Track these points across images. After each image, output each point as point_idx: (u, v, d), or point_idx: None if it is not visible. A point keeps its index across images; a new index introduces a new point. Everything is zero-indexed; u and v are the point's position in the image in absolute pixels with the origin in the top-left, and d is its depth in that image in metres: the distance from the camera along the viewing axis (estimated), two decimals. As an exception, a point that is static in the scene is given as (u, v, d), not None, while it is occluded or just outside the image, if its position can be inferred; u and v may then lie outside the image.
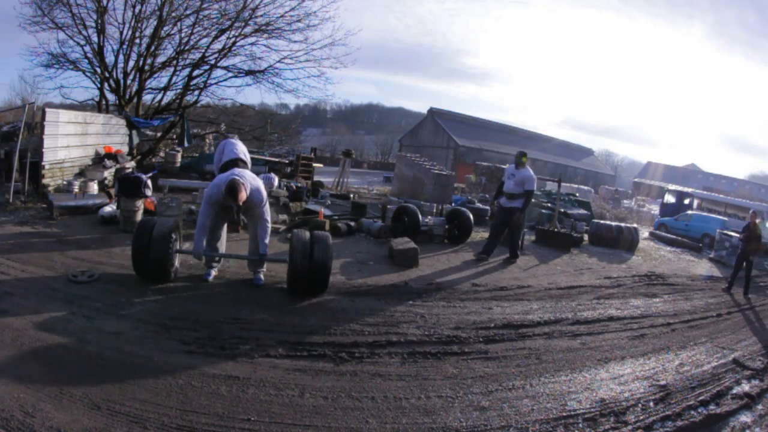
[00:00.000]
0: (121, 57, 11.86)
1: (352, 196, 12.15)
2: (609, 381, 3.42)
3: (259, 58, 12.54)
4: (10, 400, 2.28)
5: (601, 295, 5.88)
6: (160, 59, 12.33)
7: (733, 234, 10.25)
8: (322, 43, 12.31)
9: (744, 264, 7.63)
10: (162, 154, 12.90)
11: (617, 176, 53.99)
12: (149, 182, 6.62)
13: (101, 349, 2.92)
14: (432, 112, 40.55)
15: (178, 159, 11.74)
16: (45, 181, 7.57)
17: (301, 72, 16.61)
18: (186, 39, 12.09)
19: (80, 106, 12.48)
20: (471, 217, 8.02)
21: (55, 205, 6.52)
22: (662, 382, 3.47)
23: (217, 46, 12.21)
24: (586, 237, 10.00)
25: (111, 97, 12.19)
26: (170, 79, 12.55)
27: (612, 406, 3.01)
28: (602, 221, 11.02)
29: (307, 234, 4.26)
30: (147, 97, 12.88)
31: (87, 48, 11.59)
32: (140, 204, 6.38)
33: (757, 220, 7.93)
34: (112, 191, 7.25)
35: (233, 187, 4.03)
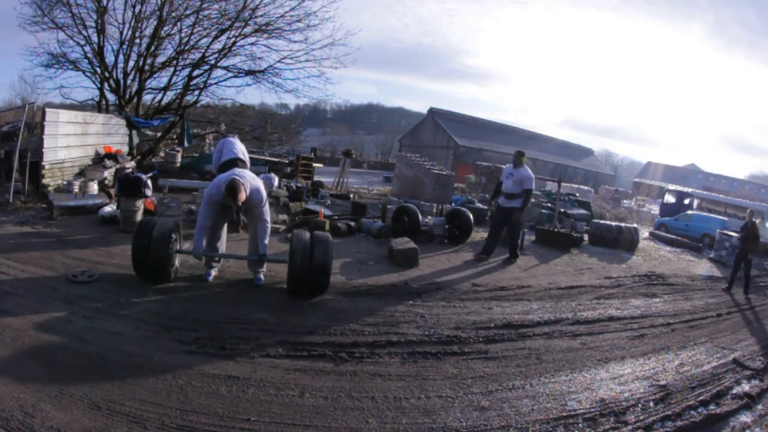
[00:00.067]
0: (121, 57, 11.89)
1: (352, 196, 12.15)
2: (609, 381, 3.42)
3: (259, 58, 12.57)
4: (10, 400, 2.28)
5: (601, 295, 5.88)
6: (160, 59, 12.36)
7: (732, 234, 10.25)
8: (322, 43, 12.34)
9: (743, 263, 7.63)
10: (162, 154, 12.90)
11: (617, 176, 54.01)
12: (149, 182, 6.62)
13: (101, 349, 2.92)
14: (432, 112, 40.56)
15: (178, 159, 11.74)
16: (45, 181, 7.57)
17: (301, 72, 16.66)
18: (186, 39, 12.11)
19: (80, 106, 12.49)
20: (471, 217, 8.02)
21: (55, 205, 6.52)
22: (662, 382, 3.47)
23: (217, 46, 12.24)
24: (586, 237, 10.00)
25: (111, 97, 12.21)
26: (170, 79, 12.58)
27: (612, 406, 3.01)
28: (602, 221, 11.02)
29: (307, 235, 4.25)
30: (147, 97, 12.91)
31: (87, 48, 11.62)
32: (140, 204, 6.38)
33: (757, 220, 7.94)
34: (112, 191, 7.25)
35: (233, 187, 4.03)
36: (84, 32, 11.38)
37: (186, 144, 12.01)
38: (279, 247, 5.95)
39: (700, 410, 3.14)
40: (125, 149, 10.42)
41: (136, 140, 11.08)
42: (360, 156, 47.05)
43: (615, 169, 59.66)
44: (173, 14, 11.75)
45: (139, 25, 11.70)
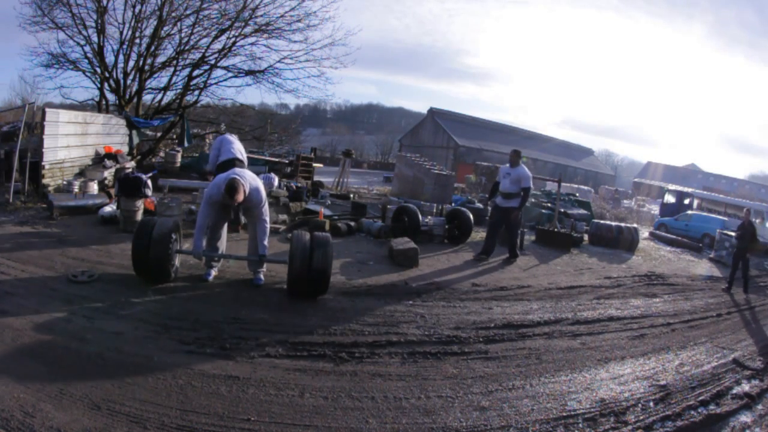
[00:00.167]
0: (121, 57, 11.89)
1: (352, 196, 12.15)
2: (609, 381, 3.42)
3: (259, 58, 12.57)
4: (10, 400, 2.28)
5: (601, 295, 5.88)
6: (160, 59, 12.35)
7: (732, 234, 10.26)
8: (322, 43, 12.33)
9: (741, 263, 7.64)
10: (162, 154, 12.89)
11: (617, 176, 54.02)
12: (149, 182, 6.62)
13: (101, 349, 2.92)
14: (432, 112, 40.56)
15: (178, 159, 11.73)
16: (45, 181, 7.57)
17: (301, 72, 16.61)
18: (186, 39, 12.11)
19: (80, 106, 12.49)
20: (471, 217, 8.02)
21: (55, 205, 6.52)
22: (662, 382, 3.47)
23: (217, 46, 12.23)
24: (586, 237, 10.00)
25: (111, 97, 12.21)
26: (170, 79, 12.58)
27: (612, 406, 3.01)
28: (602, 221, 11.03)
29: (307, 236, 4.23)
30: (147, 97, 12.91)
31: (87, 48, 11.62)
32: (140, 204, 6.38)
33: (757, 220, 7.95)
34: (112, 191, 7.25)
35: (232, 186, 4.03)
36: (84, 32, 11.40)
37: (186, 144, 12.01)
38: (279, 247, 5.95)
39: (700, 410, 3.14)
40: (125, 149, 10.42)
41: (136, 140, 11.08)
42: (360, 156, 47.05)
43: (615, 169, 59.67)
44: (173, 14, 11.77)
45: (139, 25, 11.71)
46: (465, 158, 34.41)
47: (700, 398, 3.30)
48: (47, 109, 8.11)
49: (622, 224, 10.67)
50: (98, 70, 11.85)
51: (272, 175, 9.55)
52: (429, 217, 8.39)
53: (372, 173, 34.08)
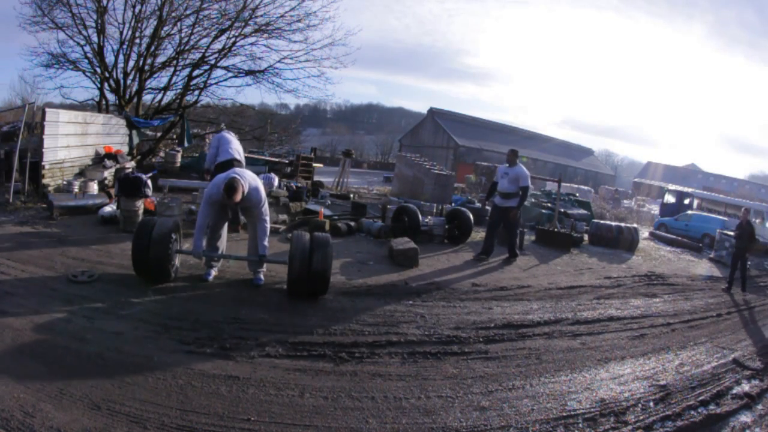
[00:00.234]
0: (121, 57, 11.89)
1: (352, 196, 12.15)
2: (609, 381, 3.42)
3: (259, 58, 12.56)
4: (10, 400, 2.28)
5: (601, 295, 5.88)
6: (160, 59, 12.36)
7: (732, 234, 10.26)
8: (322, 43, 12.33)
9: (739, 263, 7.64)
10: (162, 154, 12.89)
11: (617, 176, 54.03)
12: (149, 182, 6.62)
13: (101, 349, 2.92)
14: (432, 112, 40.57)
15: (178, 159, 11.74)
16: (45, 181, 7.57)
17: (301, 72, 16.62)
18: (186, 39, 12.11)
19: (80, 106, 12.48)
20: (471, 217, 8.02)
21: (55, 205, 6.52)
22: (662, 382, 3.47)
23: (217, 46, 12.23)
24: (586, 237, 10.00)
25: (111, 97, 12.21)
26: (170, 79, 12.58)
27: (612, 406, 3.01)
28: (602, 221, 11.03)
29: (307, 237, 4.23)
30: (147, 97, 12.91)
31: (87, 48, 11.62)
32: (140, 204, 6.38)
33: (757, 220, 7.95)
34: (112, 191, 7.25)
35: (231, 186, 4.03)
36: (84, 32, 11.40)
37: (186, 144, 12.00)
38: (279, 247, 5.94)
39: (700, 410, 3.14)
40: (125, 149, 10.42)
41: (136, 140, 11.07)
42: (360, 156, 47.07)
43: (615, 169, 59.68)
44: (173, 14, 11.77)
45: (139, 25, 11.71)
46: (465, 158, 34.42)
47: (700, 398, 3.31)
48: (47, 109, 8.10)
49: (622, 224, 10.67)
50: (98, 70, 11.86)
51: (272, 175, 9.55)
52: (429, 217, 8.39)
53: (372, 173, 34.09)
